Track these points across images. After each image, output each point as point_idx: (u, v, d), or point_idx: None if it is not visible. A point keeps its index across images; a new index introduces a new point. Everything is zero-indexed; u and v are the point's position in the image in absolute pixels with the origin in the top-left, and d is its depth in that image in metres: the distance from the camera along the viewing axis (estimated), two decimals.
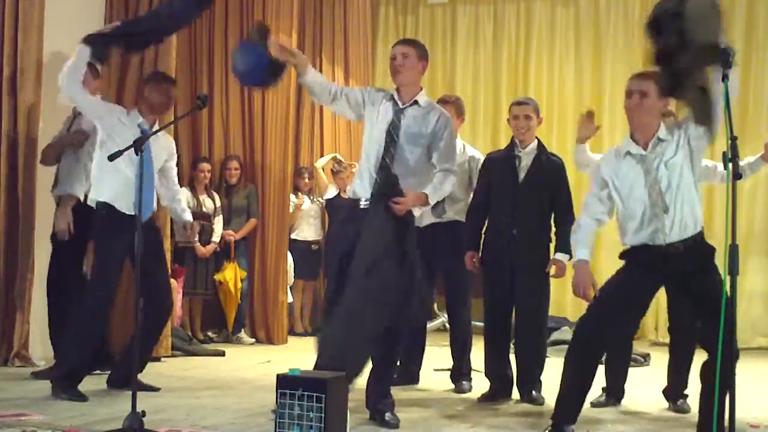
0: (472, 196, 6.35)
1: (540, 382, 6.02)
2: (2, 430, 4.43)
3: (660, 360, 7.04)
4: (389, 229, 4.85)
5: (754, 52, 10.63)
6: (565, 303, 10.78)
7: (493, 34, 11.87)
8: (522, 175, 6.01)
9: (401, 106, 5.11)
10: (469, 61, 11.92)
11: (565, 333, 9.19)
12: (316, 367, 4.75)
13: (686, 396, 5.84)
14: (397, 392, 5.30)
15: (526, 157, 6.04)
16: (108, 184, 5.72)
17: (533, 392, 5.96)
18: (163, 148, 6.06)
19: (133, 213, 5.22)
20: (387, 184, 4.94)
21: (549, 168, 6.05)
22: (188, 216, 6.32)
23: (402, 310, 4.88)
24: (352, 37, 11.32)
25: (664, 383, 6.00)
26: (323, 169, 10.45)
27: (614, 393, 5.96)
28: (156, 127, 5.78)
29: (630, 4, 11.20)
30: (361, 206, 5.03)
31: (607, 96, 11.13)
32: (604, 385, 5.98)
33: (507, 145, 6.25)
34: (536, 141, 6.11)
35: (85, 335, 5.68)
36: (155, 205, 6.03)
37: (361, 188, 5.08)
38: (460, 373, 6.50)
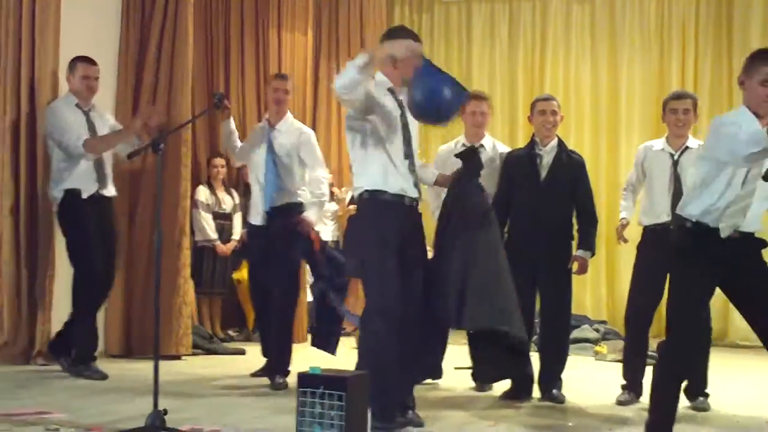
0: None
1: (561, 380, 6.01)
2: (25, 428, 4.46)
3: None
4: None
5: None
6: (585, 301, 10.75)
7: (508, 32, 11.83)
8: (543, 173, 6.00)
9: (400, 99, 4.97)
10: (485, 59, 11.89)
11: (586, 331, 9.19)
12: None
13: (707, 395, 5.83)
14: (419, 390, 5.29)
15: (547, 155, 6.03)
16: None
17: (554, 390, 5.95)
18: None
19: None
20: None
21: (570, 165, 6.04)
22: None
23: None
24: (367, 36, 11.31)
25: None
26: None
27: (635, 389, 5.96)
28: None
29: (646, 2, 11.17)
30: (410, 204, 4.94)
31: (624, 94, 11.10)
32: (624, 382, 5.99)
33: (527, 143, 6.24)
34: (556, 139, 6.10)
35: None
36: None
37: (408, 185, 4.93)
38: (481, 373, 6.46)
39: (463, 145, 6.50)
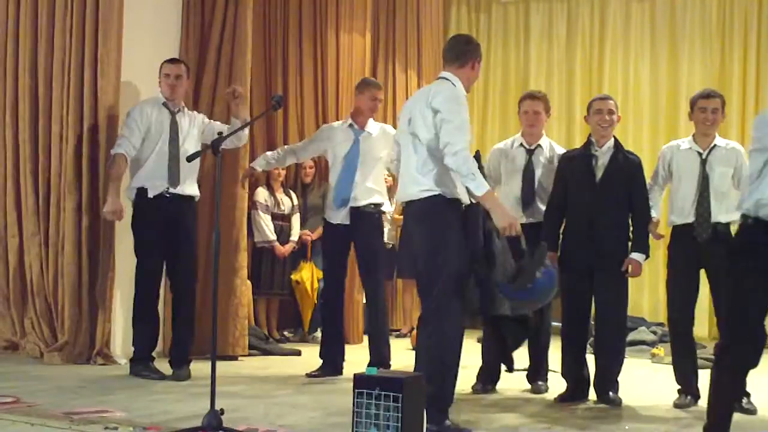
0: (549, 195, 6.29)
1: (617, 382, 5.96)
2: (84, 426, 4.51)
3: None
4: None
5: None
6: (642, 303, 10.66)
7: (567, 31, 11.76)
8: (599, 174, 5.94)
9: None
10: (542, 58, 11.84)
11: (642, 333, 9.11)
12: None
13: (749, 394, 5.75)
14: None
15: (602, 156, 5.98)
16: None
17: (610, 393, 5.90)
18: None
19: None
20: None
21: (626, 166, 5.98)
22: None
23: None
24: (424, 37, 11.30)
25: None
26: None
27: (691, 392, 5.90)
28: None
29: (707, 0, 11.02)
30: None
31: (684, 94, 10.95)
32: (679, 387, 5.95)
33: (583, 143, 6.20)
34: (613, 139, 6.05)
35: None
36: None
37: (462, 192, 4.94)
38: (537, 373, 6.46)
39: (521, 144, 6.48)
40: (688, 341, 6.01)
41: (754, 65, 10.70)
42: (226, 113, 7.44)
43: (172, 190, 6.45)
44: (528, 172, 6.41)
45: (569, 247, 5.98)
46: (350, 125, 6.91)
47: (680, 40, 11.13)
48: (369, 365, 6.48)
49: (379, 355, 6.77)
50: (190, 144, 6.54)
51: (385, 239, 10.22)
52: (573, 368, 6.06)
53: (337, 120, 9.19)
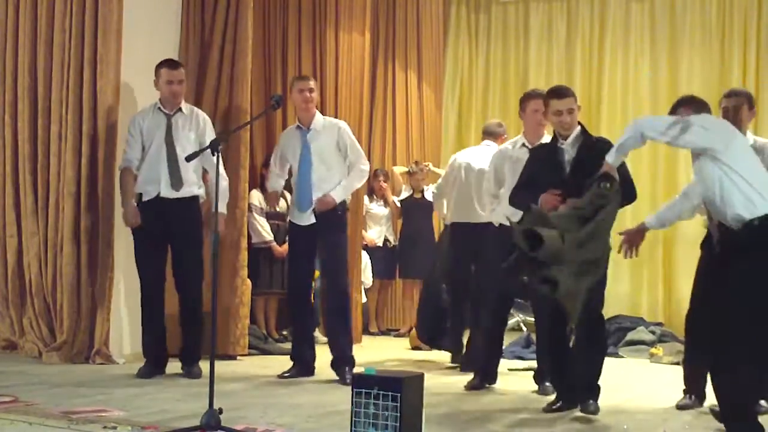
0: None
1: (598, 387, 5.57)
2: (83, 425, 4.52)
3: None
4: None
5: None
6: (641, 303, 10.67)
7: (566, 31, 11.76)
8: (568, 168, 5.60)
9: None
10: (542, 59, 11.84)
11: (641, 333, 9.10)
12: None
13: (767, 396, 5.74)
14: (481, 393, 5.30)
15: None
16: None
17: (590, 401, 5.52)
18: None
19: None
20: None
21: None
22: None
23: None
24: (424, 36, 11.30)
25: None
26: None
27: (697, 394, 5.86)
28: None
29: (707, 0, 11.02)
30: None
31: (684, 93, 10.91)
32: (685, 387, 5.90)
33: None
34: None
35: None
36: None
37: None
38: (544, 374, 6.36)
39: (523, 144, 6.45)
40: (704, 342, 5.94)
41: (753, 66, 10.70)
42: (229, 114, 7.46)
43: (164, 194, 6.44)
44: None
45: None
46: (297, 127, 6.82)
47: (680, 41, 11.12)
48: (332, 361, 6.58)
49: (341, 350, 6.67)
50: (186, 145, 6.46)
51: (383, 238, 10.34)
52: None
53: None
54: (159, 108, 6.56)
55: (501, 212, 6.34)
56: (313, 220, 6.63)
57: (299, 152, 6.69)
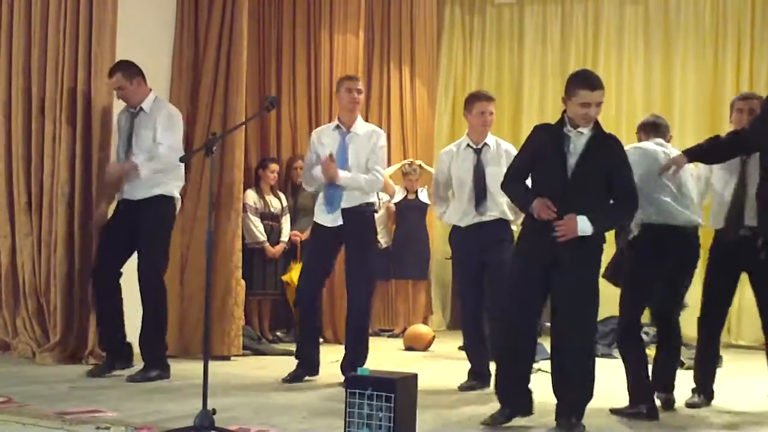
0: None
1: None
2: (77, 426, 4.51)
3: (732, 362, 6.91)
4: None
5: None
6: None
7: (561, 33, 11.79)
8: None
9: None
10: (536, 61, 11.86)
11: None
12: None
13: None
14: (475, 393, 5.26)
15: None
16: None
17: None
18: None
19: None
20: None
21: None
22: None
23: None
24: (418, 38, 11.31)
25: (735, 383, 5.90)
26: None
27: (705, 393, 5.87)
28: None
29: (701, 2, 11.04)
30: None
31: (677, 95, 10.99)
32: (694, 386, 5.91)
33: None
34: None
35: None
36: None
37: None
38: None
39: (468, 145, 6.46)
40: (715, 344, 5.93)
41: (747, 68, 10.72)
42: (225, 114, 7.47)
43: (125, 196, 6.43)
44: (478, 171, 6.42)
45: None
46: (337, 126, 6.81)
47: (674, 43, 11.15)
48: (342, 365, 6.51)
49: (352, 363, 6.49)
50: (143, 145, 6.36)
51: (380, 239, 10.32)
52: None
53: (328, 120, 9.24)
54: (126, 107, 6.56)
55: (450, 214, 6.57)
56: (339, 221, 6.53)
57: (336, 153, 6.57)
